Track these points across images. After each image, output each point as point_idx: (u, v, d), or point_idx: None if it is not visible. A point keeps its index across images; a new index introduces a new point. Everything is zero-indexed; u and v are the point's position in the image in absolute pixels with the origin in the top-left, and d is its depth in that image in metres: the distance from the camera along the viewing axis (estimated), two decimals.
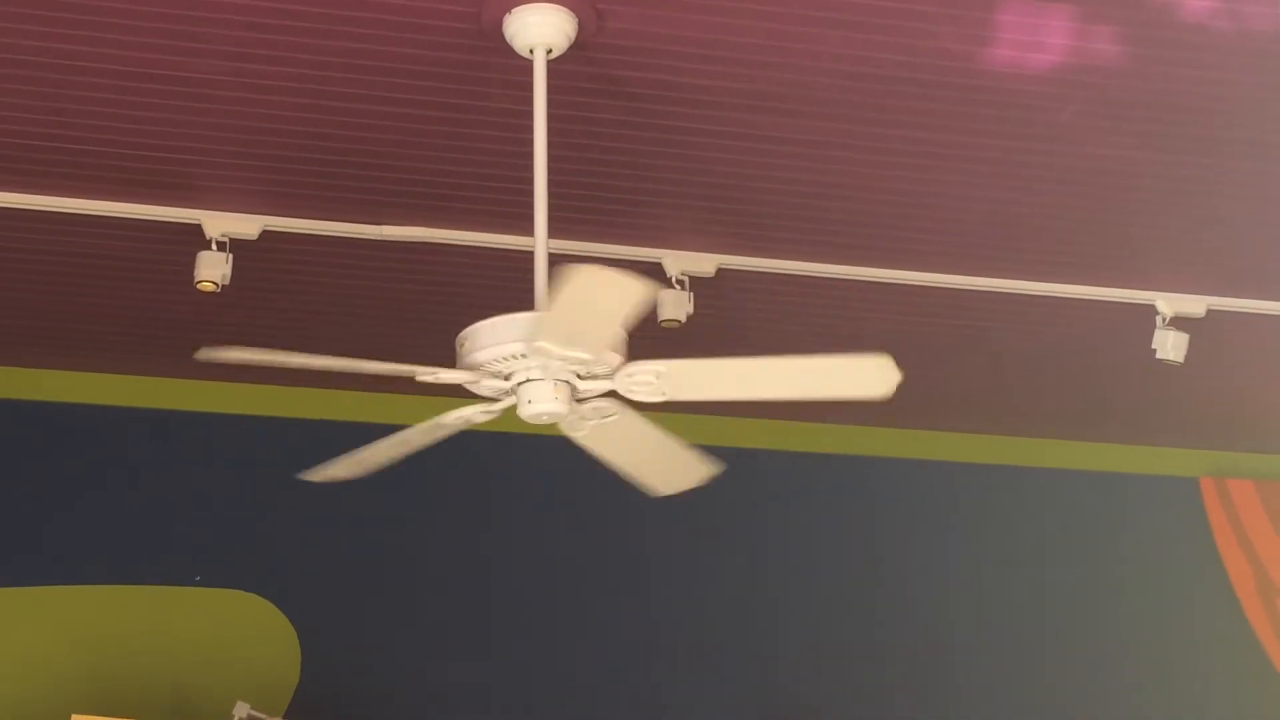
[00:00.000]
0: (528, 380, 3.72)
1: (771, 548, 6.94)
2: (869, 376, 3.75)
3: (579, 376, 3.74)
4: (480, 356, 3.69)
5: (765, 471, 6.93)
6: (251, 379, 6.47)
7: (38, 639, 6.22)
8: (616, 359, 3.71)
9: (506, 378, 3.74)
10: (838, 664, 6.82)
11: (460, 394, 3.88)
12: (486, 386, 3.80)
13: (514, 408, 3.80)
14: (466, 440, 5.62)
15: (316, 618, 6.43)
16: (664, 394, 3.81)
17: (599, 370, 3.73)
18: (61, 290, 5.73)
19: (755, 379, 3.86)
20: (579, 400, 3.82)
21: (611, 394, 3.85)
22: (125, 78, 4.37)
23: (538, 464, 6.29)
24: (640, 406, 3.90)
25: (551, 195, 4.01)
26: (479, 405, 3.88)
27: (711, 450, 4.20)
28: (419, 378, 3.86)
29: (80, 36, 4.18)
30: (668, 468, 4.33)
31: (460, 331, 3.73)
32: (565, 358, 3.66)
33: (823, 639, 6.85)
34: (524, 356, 3.67)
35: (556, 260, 4.02)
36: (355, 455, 4.28)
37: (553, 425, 3.87)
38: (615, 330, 3.59)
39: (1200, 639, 7.19)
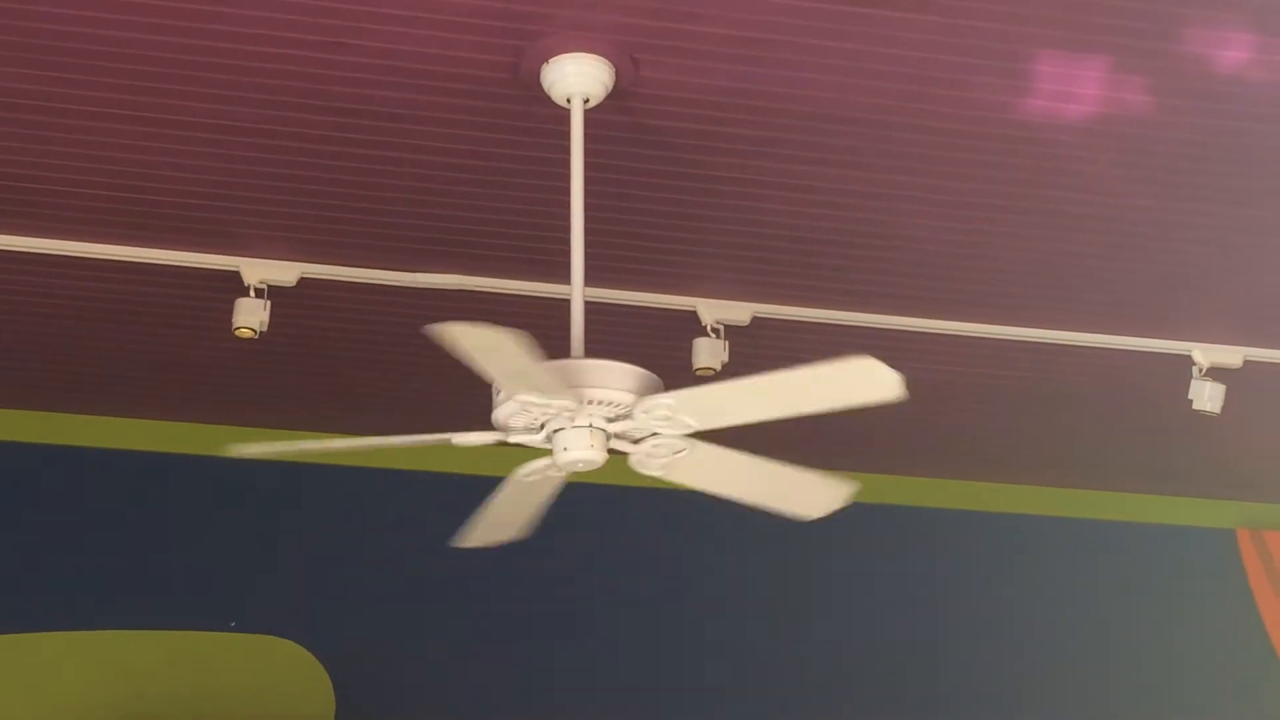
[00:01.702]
0: (561, 428, 3.73)
1: (824, 599, 6.92)
2: (868, 379, 3.71)
3: (608, 420, 3.74)
4: (502, 412, 3.70)
5: (816, 524, 6.91)
6: (288, 426, 6.49)
7: (75, 683, 6.23)
8: (628, 398, 3.69)
9: (540, 427, 3.75)
10: (885, 711, 6.80)
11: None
12: (525, 439, 3.80)
13: None
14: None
15: (351, 664, 6.43)
16: (689, 425, 3.80)
17: (620, 412, 3.73)
18: (101, 336, 5.76)
19: (766, 396, 3.84)
20: (635, 441, 3.81)
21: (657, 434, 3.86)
22: (164, 125, 4.41)
23: (579, 508, 6.29)
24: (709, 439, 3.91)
25: (588, 244, 4.02)
26: (490, 434, 3.86)
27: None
28: (455, 442, 3.89)
29: (119, 85, 4.22)
30: (794, 492, 4.26)
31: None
32: (672, 420, 3.70)
33: (867, 690, 6.82)
34: (614, 405, 3.68)
35: (592, 308, 4.04)
36: (483, 519, 4.29)
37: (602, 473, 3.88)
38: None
39: (1237, 690, 7.14)
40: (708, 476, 4.04)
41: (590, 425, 3.68)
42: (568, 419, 3.69)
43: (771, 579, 6.89)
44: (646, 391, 3.67)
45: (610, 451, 3.80)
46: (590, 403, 3.66)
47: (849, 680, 6.84)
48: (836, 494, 4.26)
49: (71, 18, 3.93)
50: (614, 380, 3.66)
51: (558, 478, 3.98)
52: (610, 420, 3.70)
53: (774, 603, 6.88)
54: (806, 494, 4.25)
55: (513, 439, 3.80)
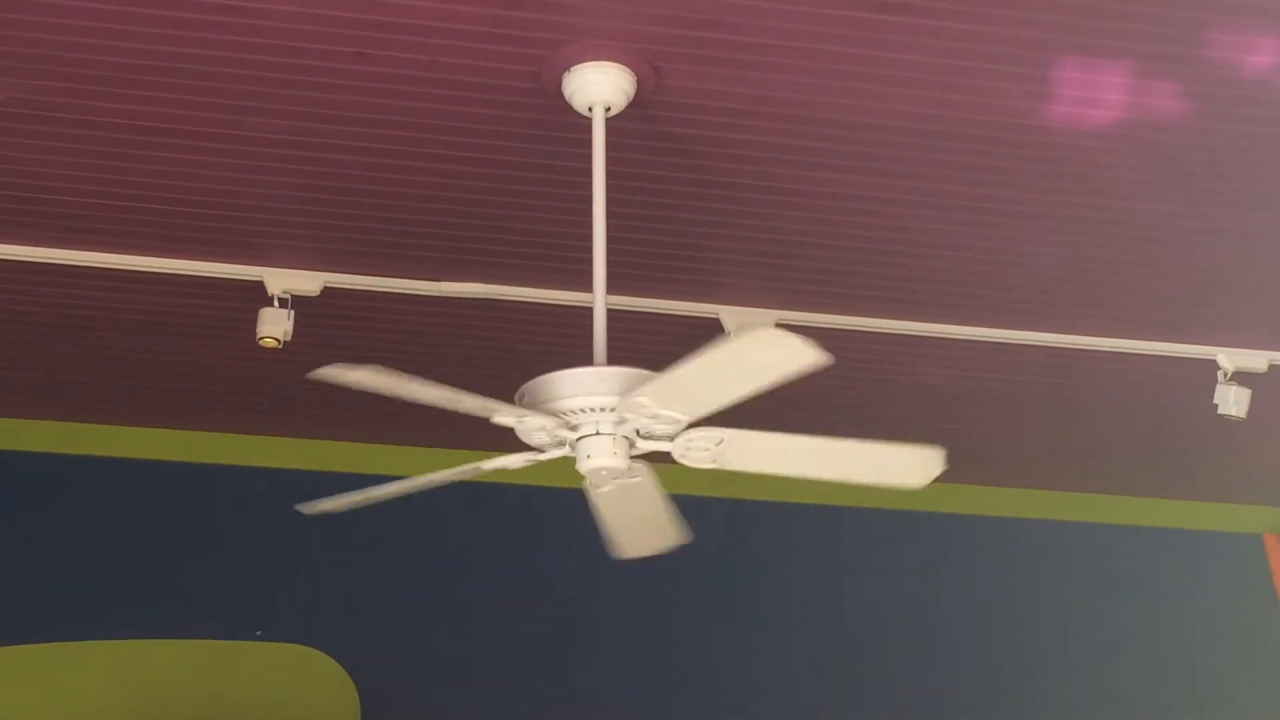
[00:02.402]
0: (590, 435, 3.73)
1: (837, 603, 6.91)
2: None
3: (638, 434, 3.75)
4: (566, 404, 3.70)
5: (832, 528, 6.91)
6: (316, 435, 6.51)
7: (101, 693, 6.24)
8: (685, 421, 3.71)
9: (573, 429, 3.75)
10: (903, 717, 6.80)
11: (502, 448, 3.89)
12: (542, 436, 3.80)
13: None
14: (532, 496, 5.65)
15: (377, 672, 6.44)
16: (714, 461, 3.82)
17: (660, 430, 3.74)
18: (126, 347, 5.78)
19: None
20: (671, 439, 3.81)
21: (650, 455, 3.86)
22: (187, 136, 4.43)
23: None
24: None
25: (610, 251, 4.03)
26: (522, 454, 3.88)
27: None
28: (485, 468, 3.97)
29: (144, 97, 4.24)
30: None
31: (519, 387, 3.75)
32: (658, 415, 3.68)
33: (885, 696, 6.81)
34: (609, 410, 3.68)
35: (615, 316, 4.04)
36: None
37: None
38: (733, 398, 3.61)
39: (1264, 695, 7.11)
40: (765, 459, 3.99)
41: (598, 431, 3.70)
42: (591, 428, 3.70)
43: (793, 585, 6.87)
44: (630, 389, 3.67)
45: (655, 455, 3.84)
46: (579, 411, 3.68)
47: (864, 687, 6.81)
48: (927, 461, 4.16)
49: (100, 30, 3.95)
50: (588, 386, 3.69)
51: (639, 483, 3.98)
52: (616, 424, 3.71)
53: (793, 608, 6.87)
54: (890, 465, 4.17)
55: (544, 456, 3.82)
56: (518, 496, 6.13)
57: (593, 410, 3.69)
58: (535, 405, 3.72)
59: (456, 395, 3.62)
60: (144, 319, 5.54)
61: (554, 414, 3.70)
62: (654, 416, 3.69)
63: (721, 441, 3.83)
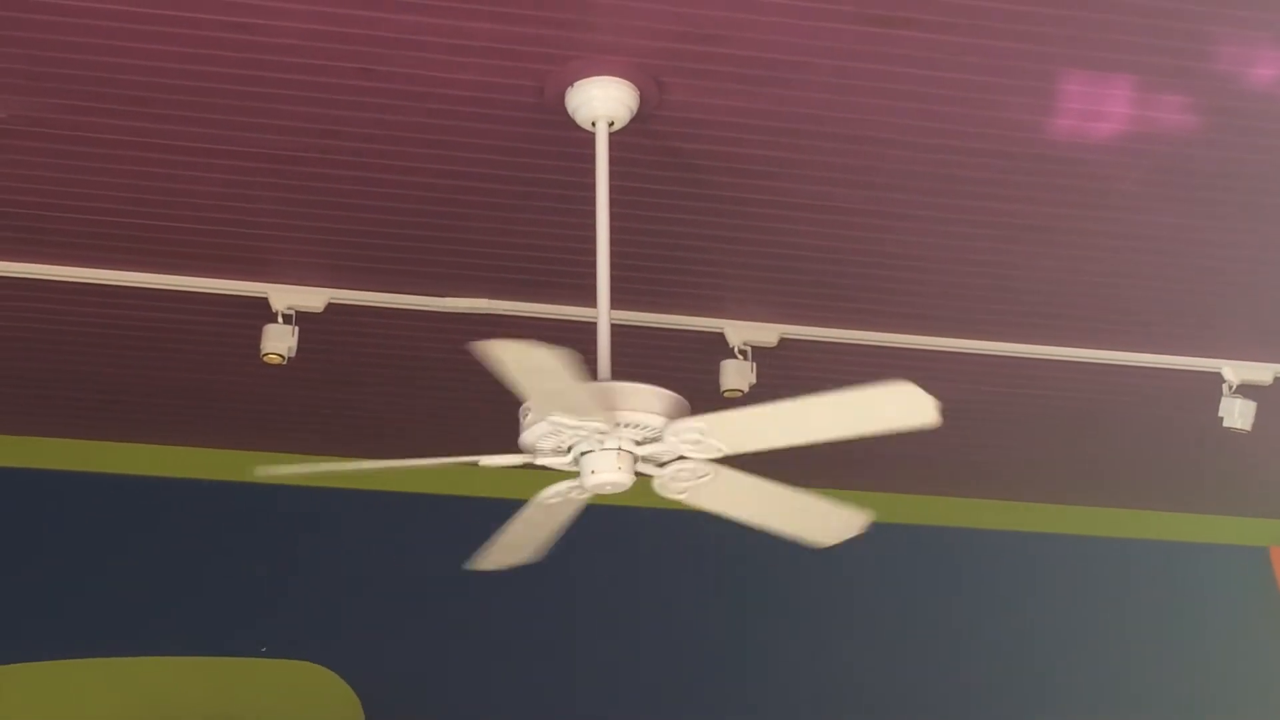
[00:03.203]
0: (589, 451, 3.72)
1: (844, 618, 6.91)
2: (904, 404, 3.70)
3: (636, 443, 3.73)
4: (531, 434, 3.69)
5: (838, 545, 6.90)
6: (317, 451, 6.50)
7: (106, 711, 6.24)
8: (659, 421, 3.69)
9: (567, 450, 3.75)
10: None
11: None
12: (551, 461, 3.79)
13: None
14: None
15: (380, 687, 6.43)
16: (718, 449, 3.79)
17: (650, 435, 3.72)
18: (131, 363, 5.78)
19: (797, 421, 3.83)
20: (660, 465, 3.80)
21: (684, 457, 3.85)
22: (193, 153, 4.43)
23: (606, 530, 6.29)
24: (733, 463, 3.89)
25: (614, 266, 4.03)
26: (518, 455, 3.86)
27: None
28: (482, 464, 3.90)
29: (148, 114, 4.25)
30: (809, 519, 4.26)
31: (521, 402, 3.74)
32: (700, 443, 3.68)
33: (893, 712, 6.81)
34: (645, 428, 3.67)
35: (618, 331, 4.04)
36: (500, 541, 4.28)
37: (624, 495, 3.87)
38: (800, 440, 3.64)
39: (1272, 707, 7.10)
40: (728, 502, 4.04)
41: (619, 448, 3.68)
42: (597, 441, 3.68)
43: (800, 599, 6.87)
44: (676, 414, 3.67)
45: (635, 474, 3.80)
46: (622, 425, 3.65)
47: (872, 701, 6.81)
48: (853, 522, 4.25)
49: (104, 48, 3.96)
50: (647, 403, 3.66)
51: (580, 500, 3.97)
52: (639, 443, 3.70)
53: (800, 622, 6.87)
54: (823, 522, 4.25)
55: (540, 461, 3.80)
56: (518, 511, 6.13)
57: (630, 426, 3.66)
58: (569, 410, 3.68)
59: (417, 461, 3.61)
60: (148, 335, 5.54)
61: (604, 422, 3.66)
62: (695, 443, 3.69)
63: (705, 477, 3.84)
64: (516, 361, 3.39)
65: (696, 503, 3.98)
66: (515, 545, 4.33)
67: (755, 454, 3.78)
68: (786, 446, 3.75)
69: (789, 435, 3.76)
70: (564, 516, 4.12)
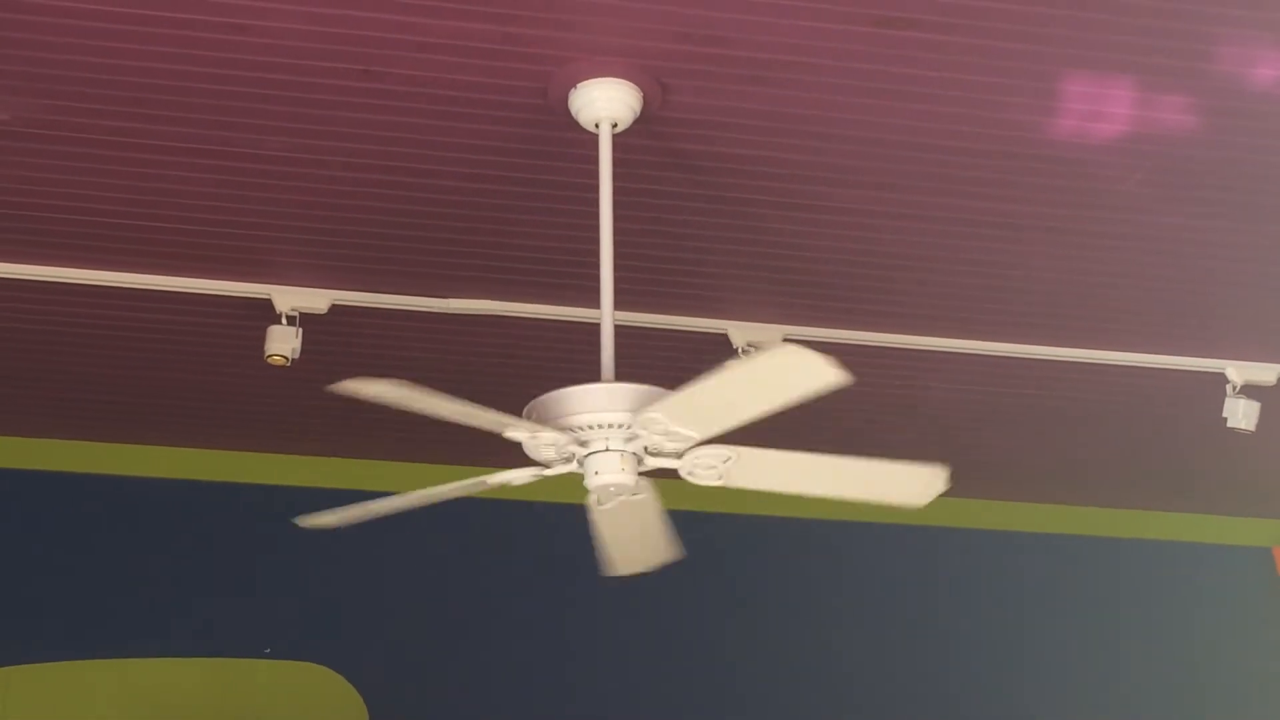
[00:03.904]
0: (599, 451, 3.73)
1: (840, 621, 6.91)
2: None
3: (646, 451, 3.74)
4: (577, 420, 3.69)
5: (835, 542, 6.91)
6: (321, 453, 6.52)
7: (111, 711, 6.24)
8: (696, 438, 3.70)
9: (583, 444, 3.75)
10: None
11: (507, 464, 3.89)
12: (549, 452, 3.80)
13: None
14: (538, 512, 5.65)
15: (385, 689, 6.44)
16: (721, 479, 3.81)
17: (670, 447, 3.73)
18: (134, 365, 5.79)
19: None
20: (678, 456, 3.81)
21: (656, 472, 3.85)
22: (195, 154, 4.44)
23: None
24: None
25: (617, 267, 4.03)
26: (528, 469, 3.88)
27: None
28: (490, 483, 3.95)
29: (148, 115, 4.25)
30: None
31: (527, 403, 3.75)
32: (670, 433, 3.67)
33: (897, 711, 6.81)
34: (620, 427, 3.67)
35: (622, 332, 4.05)
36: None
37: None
38: (748, 416, 3.60)
39: (1274, 708, 7.10)
40: (771, 477, 3.98)
41: (607, 448, 3.69)
42: (583, 446, 3.70)
43: (797, 599, 6.87)
44: (643, 407, 3.66)
45: (662, 471, 3.82)
46: (590, 427, 3.68)
47: (868, 702, 6.81)
48: (934, 479, 4.13)
49: (107, 49, 3.96)
50: (601, 403, 3.68)
51: (642, 500, 3.97)
52: (627, 441, 3.70)
53: (795, 623, 6.86)
54: (899, 483, 4.15)
55: (550, 472, 3.82)
56: (524, 512, 6.14)
57: (603, 427, 3.68)
58: (545, 421, 3.71)
59: (470, 410, 3.61)
60: (152, 337, 5.54)
61: (565, 429, 3.70)
62: (666, 433, 3.68)
63: (729, 459, 3.83)
64: (385, 397, 3.44)
65: (738, 483, 3.94)
66: (628, 548, 4.31)
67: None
68: (744, 422, 3.70)
69: (737, 410, 3.70)
70: (648, 513, 4.09)
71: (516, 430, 3.72)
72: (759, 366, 3.50)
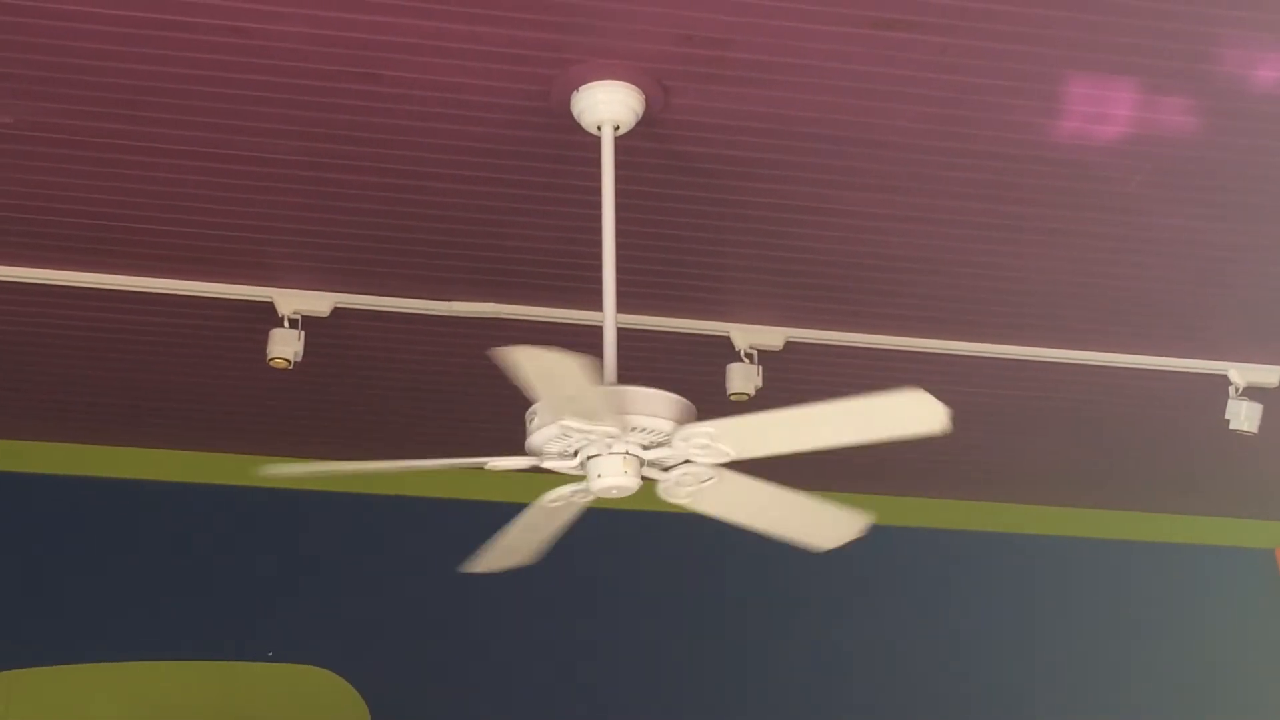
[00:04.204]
0: (596, 455, 3.72)
1: (843, 622, 6.91)
2: (915, 411, 3.71)
3: (644, 447, 3.73)
4: (539, 437, 3.70)
5: (844, 546, 6.90)
6: (323, 455, 6.51)
7: (114, 715, 6.25)
8: (668, 426, 3.69)
9: (574, 454, 3.75)
10: None
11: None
12: (558, 465, 3.80)
13: None
14: None
15: (387, 691, 6.44)
16: (727, 454, 3.79)
17: (658, 439, 3.72)
18: (138, 368, 5.79)
19: (807, 427, 3.84)
20: (665, 469, 3.80)
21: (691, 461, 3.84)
22: (196, 157, 4.44)
23: (612, 537, 6.30)
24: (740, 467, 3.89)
25: (619, 270, 4.03)
26: (525, 458, 3.86)
27: None
28: (489, 467, 3.90)
29: (150, 118, 4.25)
30: (810, 522, 4.26)
31: (529, 408, 3.75)
32: (709, 448, 3.68)
33: (901, 712, 6.81)
34: (654, 433, 3.67)
35: (624, 334, 4.04)
36: (499, 544, 4.28)
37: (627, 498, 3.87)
38: (807, 445, 3.63)
39: (1276, 710, 7.10)
40: (731, 506, 4.04)
41: (625, 452, 3.69)
42: (605, 446, 3.69)
43: (802, 602, 6.87)
44: (684, 419, 3.67)
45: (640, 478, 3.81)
46: (631, 429, 3.66)
47: (876, 704, 6.81)
48: (852, 524, 4.25)
49: (104, 53, 3.97)
50: (656, 408, 3.66)
51: (581, 503, 3.98)
52: (646, 448, 3.70)
53: (805, 625, 6.86)
54: (824, 525, 4.25)
55: (547, 465, 3.80)
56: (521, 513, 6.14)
57: (638, 431, 3.66)
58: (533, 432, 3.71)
59: (423, 461, 3.61)
60: (154, 340, 5.55)
61: (621, 427, 3.67)
62: (704, 448, 3.70)
63: (709, 480, 3.85)
64: (535, 367, 3.39)
65: (701, 507, 3.99)
66: (513, 548, 4.34)
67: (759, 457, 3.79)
68: (793, 452, 3.74)
69: (798, 441, 3.76)
70: (564, 519, 4.12)
71: (495, 464, 3.75)
72: (873, 405, 3.54)
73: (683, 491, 3.89)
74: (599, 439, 3.67)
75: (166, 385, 5.94)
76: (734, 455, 3.75)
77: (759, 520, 4.16)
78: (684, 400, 3.69)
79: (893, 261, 5.01)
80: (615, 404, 3.62)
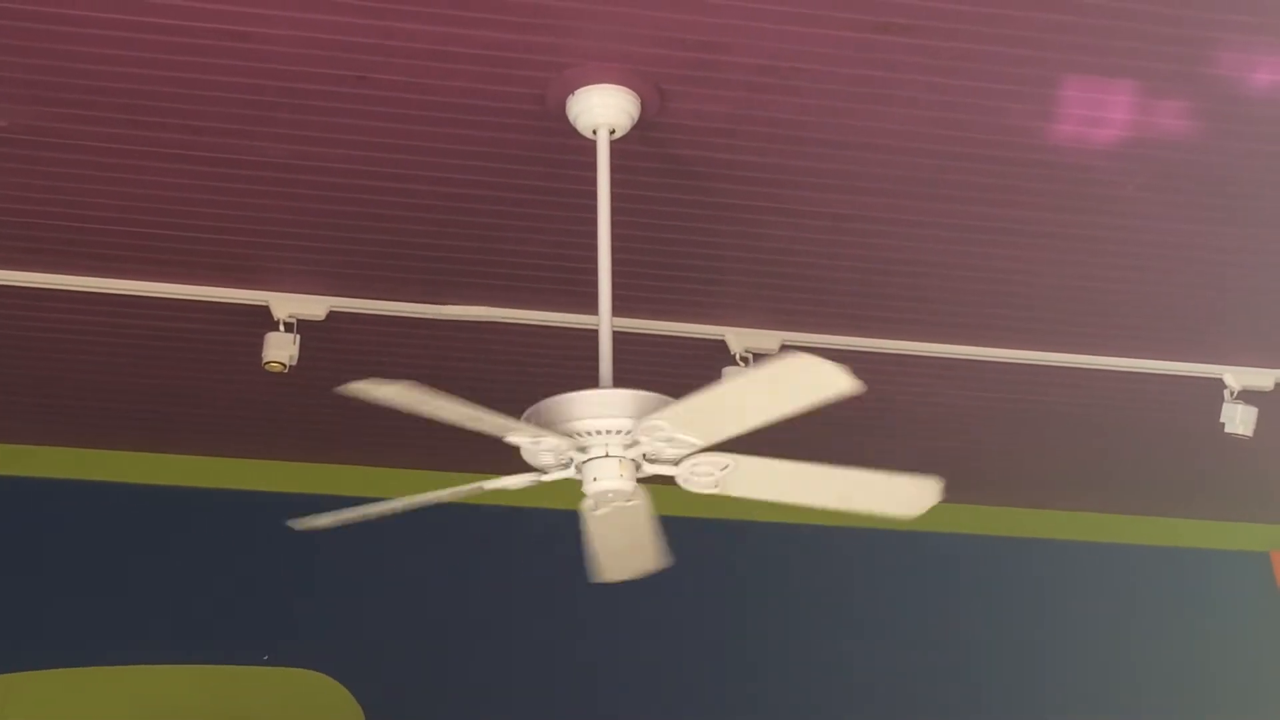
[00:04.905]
0: (598, 457, 3.72)
1: (846, 625, 6.91)
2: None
3: (645, 458, 3.73)
4: (578, 426, 3.68)
5: (839, 549, 6.90)
6: (319, 459, 6.51)
7: (110, 718, 6.24)
8: (698, 445, 3.69)
9: (583, 450, 3.74)
10: None
11: (505, 471, 3.89)
12: (548, 458, 3.79)
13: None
14: (539, 519, 5.64)
15: (383, 697, 6.43)
16: (717, 487, 3.80)
17: (670, 454, 3.72)
18: (132, 372, 5.78)
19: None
20: (675, 464, 3.79)
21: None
22: (192, 161, 4.43)
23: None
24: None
25: (615, 274, 4.03)
26: (525, 475, 3.87)
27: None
28: (487, 488, 3.93)
29: (146, 122, 4.25)
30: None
31: (524, 409, 3.74)
32: (673, 439, 3.66)
33: (897, 715, 6.81)
34: (620, 433, 3.66)
35: (620, 338, 4.04)
36: (600, 554, 4.26)
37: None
38: (750, 426, 3.60)
39: (1272, 713, 7.10)
40: (771, 486, 3.99)
41: (606, 454, 3.68)
42: (582, 452, 3.69)
43: (804, 606, 6.87)
44: (645, 413, 3.65)
45: (657, 478, 3.81)
46: (591, 433, 3.66)
47: (875, 707, 6.80)
48: (928, 489, 4.14)
49: (100, 57, 3.96)
50: (606, 408, 3.67)
51: (635, 506, 3.96)
52: (626, 447, 3.70)
53: (802, 629, 6.86)
54: (894, 494, 4.14)
55: (548, 478, 3.81)
56: (522, 519, 6.13)
57: (604, 433, 3.67)
58: (546, 425, 3.70)
59: (475, 413, 3.60)
60: (150, 344, 5.54)
61: (566, 435, 3.69)
62: (669, 440, 3.68)
63: (727, 467, 3.83)
64: (392, 400, 3.44)
65: (733, 491, 3.94)
66: (617, 554, 4.29)
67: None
68: (749, 429, 3.69)
69: (742, 418, 3.70)
70: (639, 519, 4.07)
71: (518, 434, 3.70)
72: (767, 374, 3.49)
73: (705, 481, 3.86)
74: (564, 448, 3.68)
75: (162, 389, 5.93)
76: (700, 441, 3.71)
77: (809, 496, 4.06)
78: (652, 395, 3.67)
79: (889, 265, 5.01)
80: (554, 413, 3.64)
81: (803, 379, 3.49)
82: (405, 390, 3.44)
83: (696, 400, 3.57)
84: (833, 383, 3.46)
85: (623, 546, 4.24)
